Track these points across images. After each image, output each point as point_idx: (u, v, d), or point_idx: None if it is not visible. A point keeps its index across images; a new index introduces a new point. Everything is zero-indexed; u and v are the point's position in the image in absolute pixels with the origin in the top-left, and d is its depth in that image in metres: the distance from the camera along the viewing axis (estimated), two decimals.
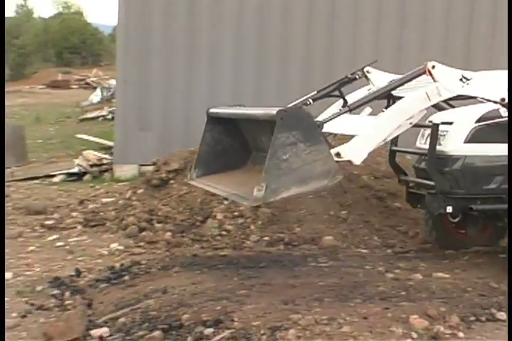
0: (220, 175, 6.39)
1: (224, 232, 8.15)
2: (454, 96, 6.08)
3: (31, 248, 7.96)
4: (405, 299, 5.57)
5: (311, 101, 6.50)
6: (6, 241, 8.24)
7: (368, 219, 8.34)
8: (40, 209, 9.88)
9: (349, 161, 5.57)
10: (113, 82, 29.06)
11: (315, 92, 6.73)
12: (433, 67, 5.85)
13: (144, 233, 8.19)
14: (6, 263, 7.26)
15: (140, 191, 9.50)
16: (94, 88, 33.42)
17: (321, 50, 12.95)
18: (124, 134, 12.90)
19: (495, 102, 6.19)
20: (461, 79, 5.93)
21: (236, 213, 8.49)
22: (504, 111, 6.28)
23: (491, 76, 6.21)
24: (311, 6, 12.88)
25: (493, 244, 7.58)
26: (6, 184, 12.55)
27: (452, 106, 6.98)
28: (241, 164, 6.50)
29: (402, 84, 6.04)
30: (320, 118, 5.94)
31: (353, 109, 5.92)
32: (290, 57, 12.89)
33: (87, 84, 42.55)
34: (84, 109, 26.14)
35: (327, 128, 5.66)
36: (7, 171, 13.78)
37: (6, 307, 5.85)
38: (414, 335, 4.86)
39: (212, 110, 6.52)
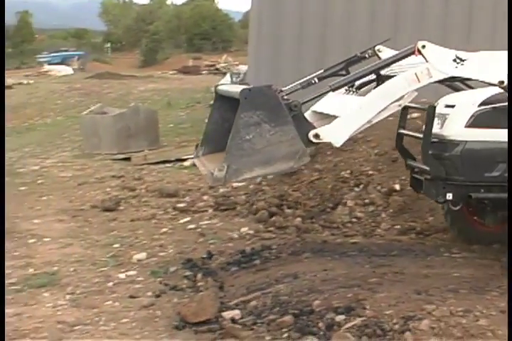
0: (221, 154, 6.23)
1: (354, 219, 8.10)
2: (449, 78, 5.67)
3: (164, 229, 8.19)
4: None
5: (316, 80, 6.26)
6: (141, 222, 8.56)
7: None
8: (172, 192, 10.14)
9: (329, 143, 5.35)
10: (242, 67, 29.44)
11: (322, 71, 6.47)
12: (423, 46, 5.46)
13: (273, 218, 8.26)
14: (139, 243, 7.55)
15: (270, 176, 9.57)
16: (224, 74, 33.96)
17: None
18: None
19: (493, 85, 5.72)
20: (454, 60, 5.51)
21: (367, 200, 8.42)
22: None
23: (490, 57, 5.70)
24: None
25: None
26: (140, 167, 13.00)
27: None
28: None
29: (389, 64, 5.73)
30: None
31: (334, 88, 5.61)
32: None
33: (217, 69, 43.30)
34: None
35: (315, 107, 5.52)
36: (140, 154, 14.25)
37: (141, 286, 6.09)
38: None
39: (219, 87, 6.35)
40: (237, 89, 5.68)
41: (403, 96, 5.54)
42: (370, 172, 9.07)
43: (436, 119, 6.15)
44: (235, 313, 5.22)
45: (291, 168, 5.35)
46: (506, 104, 5.82)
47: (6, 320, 5.23)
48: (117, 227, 8.38)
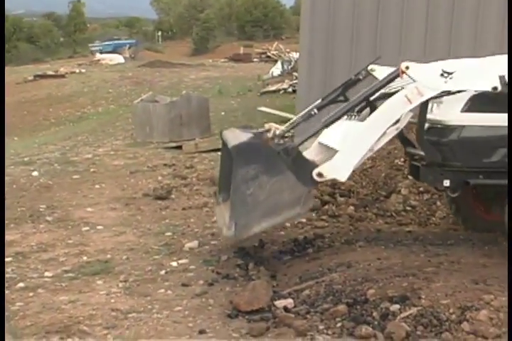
0: None
1: (409, 208, 8.02)
2: (442, 94, 5.68)
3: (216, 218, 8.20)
4: None
5: (315, 111, 6.41)
6: (192, 210, 8.60)
7: None
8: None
9: (334, 179, 5.39)
10: (294, 55, 29.32)
11: (320, 101, 6.60)
12: (407, 67, 5.53)
13: (326, 206, 8.22)
14: (191, 232, 7.58)
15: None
16: (275, 61, 33.87)
17: None
18: (306, 108, 12.92)
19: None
20: (442, 75, 5.52)
21: (421, 188, 8.32)
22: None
23: (477, 64, 5.72)
24: None
25: None
26: (191, 155, 13.06)
27: None
28: None
29: (377, 91, 5.80)
30: None
31: (328, 124, 5.71)
32: None
33: (268, 57, 43.22)
34: (265, 82, 26.56)
35: (320, 138, 5.67)
36: (192, 142, 14.30)
37: (193, 274, 6.12)
38: None
39: (224, 133, 6.47)
40: (232, 140, 5.74)
41: (399, 119, 5.55)
42: None
43: (431, 104, 6.08)
44: (288, 302, 5.21)
45: (299, 214, 5.55)
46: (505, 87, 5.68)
47: (62, 306, 5.34)
48: (169, 216, 8.43)
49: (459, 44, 11.70)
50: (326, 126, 5.75)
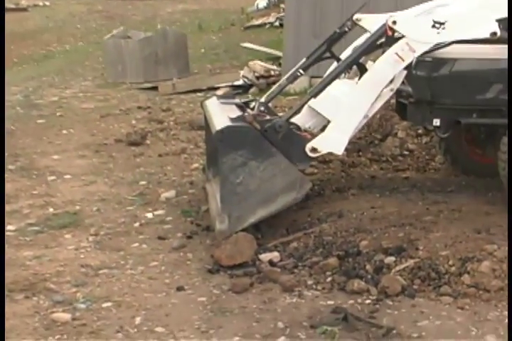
0: None
1: (406, 152, 8.00)
2: (435, 47, 5.59)
3: (195, 165, 8.19)
4: None
5: (301, 71, 6.47)
6: (169, 157, 8.57)
7: None
8: (203, 124, 10.08)
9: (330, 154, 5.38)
10: None
11: (304, 60, 6.58)
12: (394, 22, 5.46)
13: None
14: (168, 180, 7.57)
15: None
16: None
17: None
18: (295, 42, 12.81)
19: (486, 40, 5.54)
20: (433, 26, 5.44)
21: (420, 131, 8.29)
22: None
23: (470, 10, 5.61)
24: None
25: None
26: (168, 97, 12.97)
27: None
28: None
29: (365, 52, 5.81)
30: None
31: (314, 95, 5.65)
32: None
33: None
34: (249, 16, 26.24)
35: (311, 102, 5.65)
36: (169, 83, 14.18)
37: (170, 227, 6.13)
38: None
39: (205, 104, 6.50)
40: (216, 118, 5.72)
41: (392, 79, 5.47)
42: None
43: None
44: (274, 255, 5.24)
45: (295, 198, 5.51)
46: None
47: (26, 263, 5.33)
48: (144, 163, 8.40)
49: None
50: (315, 96, 5.68)
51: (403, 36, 5.51)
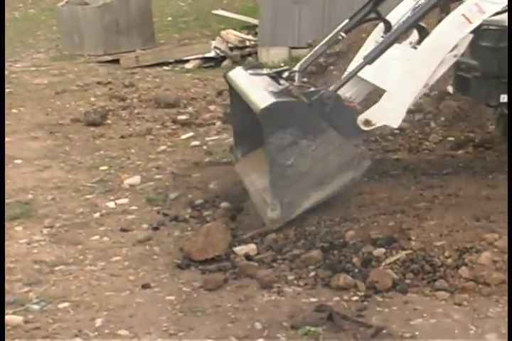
0: (261, 151, 6.11)
1: (397, 131, 7.99)
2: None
3: (162, 147, 8.20)
4: None
5: (343, 34, 6.32)
6: (133, 139, 8.55)
7: None
8: (171, 101, 10.08)
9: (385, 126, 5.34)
10: None
11: (347, 21, 6.43)
12: None
13: None
14: (132, 165, 7.55)
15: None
16: None
17: None
18: (272, 9, 12.82)
19: None
20: None
21: (412, 107, 8.29)
22: None
23: None
24: None
25: None
26: (132, 71, 12.92)
27: None
28: None
29: (428, 12, 5.64)
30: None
31: (369, 61, 5.55)
32: None
33: None
34: None
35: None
36: (132, 55, 14.12)
37: (134, 217, 6.11)
38: None
39: (230, 76, 6.35)
40: (253, 93, 5.57)
41: (457, 44, 5.42)
42: None
43: None
44: (250, 248, 5.23)
45: (353, 179, 5.46)
46: None
47: None
48: (105, 146, 8.40)
49: None
50: (369, 62, 5.60)
51: None
